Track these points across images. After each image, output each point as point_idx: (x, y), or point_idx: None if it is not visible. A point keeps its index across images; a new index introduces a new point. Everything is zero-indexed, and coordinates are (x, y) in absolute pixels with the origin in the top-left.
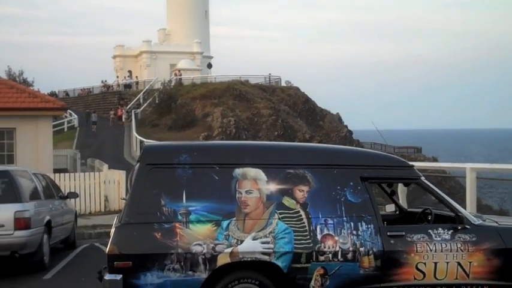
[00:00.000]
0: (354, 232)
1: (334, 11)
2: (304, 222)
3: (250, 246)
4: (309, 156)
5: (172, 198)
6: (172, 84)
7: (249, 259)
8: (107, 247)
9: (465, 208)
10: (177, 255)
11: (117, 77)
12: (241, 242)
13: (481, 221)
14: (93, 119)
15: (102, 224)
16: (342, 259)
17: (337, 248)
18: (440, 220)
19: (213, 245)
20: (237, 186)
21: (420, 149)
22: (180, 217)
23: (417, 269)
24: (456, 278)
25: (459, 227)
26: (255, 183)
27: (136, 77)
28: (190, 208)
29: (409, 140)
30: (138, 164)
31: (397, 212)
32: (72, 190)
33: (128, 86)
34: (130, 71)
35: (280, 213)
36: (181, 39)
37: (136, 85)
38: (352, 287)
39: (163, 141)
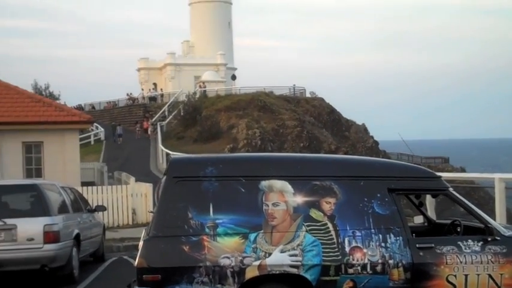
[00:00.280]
0: (383, 244)
1: (360, 20)
2: (332, 235)
3: (279, 259)
4: (336, 168)
5: (199, 211)
6: (197, 96)
7: (277, 272)
8: (135, 260)
9: (495, 219)
10: (206, 268)
11: (142, 89)
12: (269, 254)
13: (511, 232)
14: (119, 131)
15: (130, 237)
16: (371, 272)
17: (366, 261)
18: (470, 232)
19: (241, 258)
20: (263, 199)
21: (447, 159)
22: (207, 230)
23: (447, 281)
24: None
25: (489, 239)
26: (282, 196)
27: (161, 89)
28: (217, 221)
29: (437, 150)
30: (164, 177)
31: (426, 224)
32: (100, 203)
33: (153, 99)
34: (155, 84)
35: (308, 226)
36: (205, 51)
37: (161, 97)
38: None
39: (189, 154)
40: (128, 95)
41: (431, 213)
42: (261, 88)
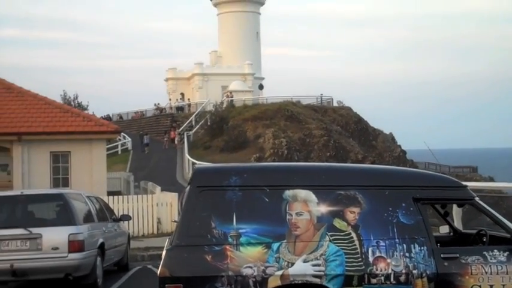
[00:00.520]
0: (407, 254)
1: (388, 30)
2: (355, 244)
3: (301, 268)
4: (360, 177)
5: (222, 221)
6: (224, 106)
7: (300, 282)
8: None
9: None
10: (228, 278)
11: (170, 99)
12: (292, 264)
13: None
14: (146, 141)
15: (154, 246)
16: (394, 282)
17: (390, 271)
18: (496, 242)
19: (263, 268)
20: (287, 208)
21: (476, 168)
22: (230, 239)
23: None
24: None
25: None
26: (306, 205)
27: (189, 99)
28: (240, 230)
29: (465, 159)
30: (188, 187)
31: (451, 234)
32: (126, 212)
33: (180, 109)
34: (182, 94)
35: (331, 235)
36: (233, 61)
37: (188, 107)
38: None
39: (213, 164)
40: (155, 105)
41: (457, 223)
42: (288, 97)
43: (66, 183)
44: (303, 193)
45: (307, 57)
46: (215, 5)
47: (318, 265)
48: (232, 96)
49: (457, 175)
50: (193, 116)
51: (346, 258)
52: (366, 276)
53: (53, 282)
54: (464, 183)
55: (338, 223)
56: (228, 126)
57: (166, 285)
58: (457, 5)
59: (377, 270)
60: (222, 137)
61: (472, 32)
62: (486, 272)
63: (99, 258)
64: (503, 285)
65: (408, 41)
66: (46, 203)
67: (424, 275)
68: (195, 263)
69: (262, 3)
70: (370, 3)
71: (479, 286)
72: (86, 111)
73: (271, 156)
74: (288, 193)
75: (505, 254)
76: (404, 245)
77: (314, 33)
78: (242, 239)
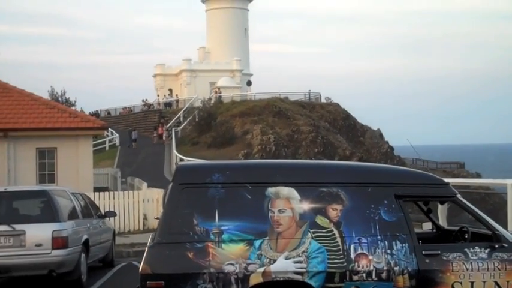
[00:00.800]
0: (388, 251)
1: (376, 26)
2: (337, 241)
3: (283, 265)
4: (342, 175)
5: (204, 218)
6: (212, 102)
7: (281, 279)
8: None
9: (507, 225)
10: (210, 275)
11: (158, 95)
12: (274, 261)
13: None
14: (133, 136)
15: (140, 242)
16: (376, 278)
17: (371, 267)
18: (478, 238)
19: (245, 265)
20: (269, 206)
21: (463, 164)
22: (212, 236)
23: None
24: None
25: (496, 246)
26: (288, 202)
27: (177, 95)
28: (222, 227)
29: (453, 155)
30: (171, 184)
31: (434, 230)
32: (112, 209)
33: (168, 105)
34: (170, 90)
35: (313, 232)
36: (221, 57)
37: (176, 103)
38: None
39: (196, 161)
40: (143, 101)
41: (442, 220)
42: (276, 94)
43: (52, 179)
44: (285, 190)
45: (295, 54)
46: (203, 1)
47: (300, 262)
48: (220, 93)
49: (444, 171)
50: (181, 112)
51: (328, 255)
52: (347, 273)
53: (37, 279)
54: (446, 180)
55: (320, 220)
56: (216, 122)
57: (148, 283)
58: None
59: (359, 267)
60: (210, 133)
61: (462, 31)
62: (467, 269)
63: (83, 255)
64: (484, 282)
65: (397, 38)
66: (30, 200)
67: (405, 271)
68: (177, 260)
69: (250, 0)
70: None
71: (461, 283)
72: (73, 107)
73: (259, 153)
74: (271, 190)
75: (486, 251)
76: (386, 242)
77: (302, 30)
78: (224, 236)
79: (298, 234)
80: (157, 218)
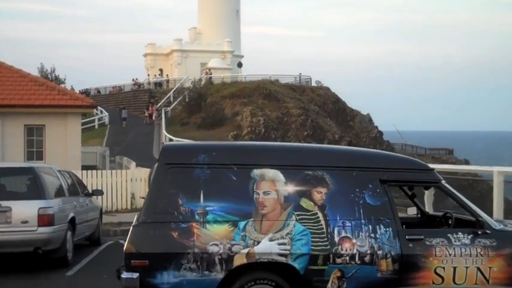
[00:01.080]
0: (372, 235)
1: (368, 11)
2: (321, 224)
3: (267, 247)
4: (328, 158)
5: (189, 198)
6: (203, 83)
7: (265, 260)
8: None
9: (492, 212)
10: (194, 255)
11: (148, 75)
12: (258, 243)
13: (502, 226)
14: (123, 115)
15: (127, 221)
16: (359, 262)
17: (355, 251)
18: (461, 224)
19: (229, 246)
20: (254, 187)
21: (452, 150)
22: (197, 217)
23: (436, 273)
24: (476, 283)
25: (479, 232)
26: (273, 185)
27: (167, 75)
28: (207, 208)
29: (442, 141)
30: (156, 164)
31: (419, 216)
32: (99, 187)
33: (158, 85)
34: (161, 70)
35: (298, 215)
36: (212, 38)
37: (167, 83)
38: None
39: (182, 141)
40: (133, 80)
41: (428, 206)
42: (267, 76)
43: (40, 156)
44: (270, 172)
45: (287, 37)
46: None
47: (284, 244)
48: (210, 74)
49: (433, 157)
50: (172, 92)
51: (312, 237)
52: (331, 255)
53: (23, 256)
54: (432, 166)
55: (305, 203)
56: (206, 103)
57: (132, 261)
58: None
59: (342, 250)
60: (200, 113)
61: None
62: (450, 254)
63: (69, 233)
64: (467, 268)
65: (391, 24)
66: (16, 176)
67: (388, 255)
68: (161, 239)
69: None
70: None
71: (443, 268)
72: (63, 85)
73: (248, 134)
74: (256, 172)
75: (469, 237)
76: (370, 226)
77: (294, 13)
78: (209, 217)
79: (282, 216)
80: (143, 198)
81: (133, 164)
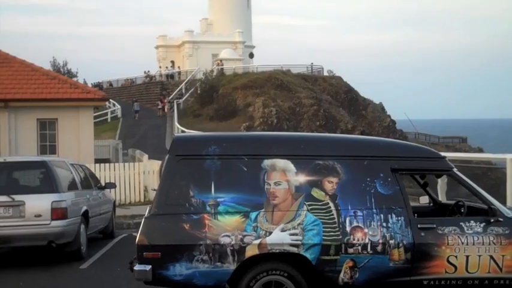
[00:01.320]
0: (384, 224)
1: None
2: (333, 214)
3: (279, 237)
4: (338, 147)
5: (201, 190)
6: (214, 74)
7: (277, 251)
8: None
9: (506, 201)
10: (206, 247)
11: (160, 67)
12: (270, 233)
13: None
14: (136, 107)
15: (141, 214)
16: (371, 251)
17: (367, 241)
18: (474, 213)
19: (241, 237)
20: (265, 178)
21: (465, 138)
22: (208, 208)
23: (448, 262)
24: (488, 272)
25: (492, 220)
26: (284, 175)
27: (179, 67)
28: (218, 199)
29: (455, 129)
30: (167, 155)
31: (431, 204)
32: (112, 180)
33: (170, 76)
34: (172, 61)
35: (309, 205)
36: (224, 29)
37: (178, 75)
38: (381, 280)
39: (193, 132)
40: (145, 72)
41: (442, 195)
42: (279, 66)
43: (53, 150)
44: (281, 163)
45: (298, 26)
46: None
47: (296, 234)
48: (222, 65)
49: (446, 145)
50: (183, 84)
51: (324, 227)
52: (343, 245)
53: (37, 250)
54: (443, 154)
55: (316, 193)
56: (218, 95)
57: (144, 253)
58: None
59: (354, 240)
60: (212, 105)
61: (469, 4)
62: (462, 243)
63: (82, 226)
64: (479, 256)
65: (403, 12)
66: (29, 170)
67: (400, 245)
68: (173, 231)
69: None
70: None
71: (456, 256)
72: (75, 78)
73: (261, 125)
74: (267, 162)
75: (482, 225)
76: (382, 215)
77: (306, 2)
78: (220, 208)
79: (294, 206)
80: (155, 190)
81: (146, 156)
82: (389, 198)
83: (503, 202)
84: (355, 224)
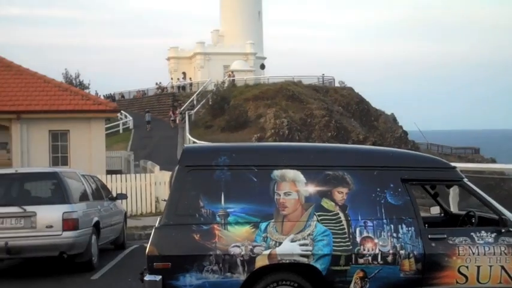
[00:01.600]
0: (394, 234)
1: (394, 9)
2: (343, 225)
3: (289, 248)
4: (348, 158)
5: (210, 200)
6: (226, 85)
7: (287, 261)
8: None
9: None
10: (216, 257)
11: (171, 78)
12: (280, 244)
13: None
14: (147, 118)
15: (152, 225)
16: (381, 262)
17: (377, 251)
18: (485, 223)
19: (251, 247)
20: (275, 188)
21: (478, 149)
22: (218, 219)
23: (459, 272)
24: (500, 282)
25: (503, 230)
26: (294, 185)
27: (190, 78)
28: (228, 210)
29: (468, 140)
30: (177, 166)
31: (442, 215)
32: (124, 191)
33: (182, 88)
34: (184, 73)
35: (319, 215)
36: (235, 40)
37: (190, 87)
38: None
39: (202, 143)
40: (157, 84)
41: (453, 206)
42: (290, 77)
43: (65, 161)
44: (291, 173)
45: (309, 37)
46: None
47: (306, 245)
48: (233, 76)
49: (459, 156)
50: (195, 95)
51: (334, 238)
52: (353, 256)
53: (48, 261)
54: (453, 164)
55: (326, 203)
56: (229, 106)
57: (154, 264)
58: None
59: (364, 250)
60: (223, 116)
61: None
62: (473, 253)
63: (94, 237)
64: (491, 266)
65: (414, 21)
66: (41, 182)
67: (411, 255)
68: (183, 242)
69: None
70: None
71: (467, 267)
72: (87, 90)
73: (272, 136)
74: (276, 173)
75: (493, 235)
76: (392, 226)
77: (317, 13)
78: (230, 218)
79: (303, 217)
80: (165, 200)
81: (157, 167)
82: (399, 208)
83: None
84: (365, 234)
